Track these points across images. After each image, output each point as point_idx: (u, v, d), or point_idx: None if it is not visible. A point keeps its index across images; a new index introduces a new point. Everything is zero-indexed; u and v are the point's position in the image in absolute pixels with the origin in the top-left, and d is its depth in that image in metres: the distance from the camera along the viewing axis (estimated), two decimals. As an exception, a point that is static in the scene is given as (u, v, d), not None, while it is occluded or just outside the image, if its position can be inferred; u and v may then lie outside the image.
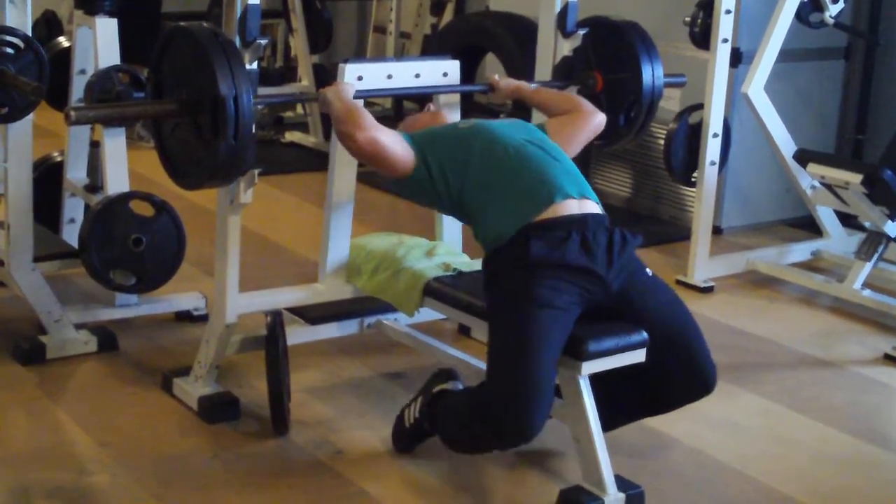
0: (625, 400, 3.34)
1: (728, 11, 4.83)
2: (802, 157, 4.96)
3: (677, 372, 3.24)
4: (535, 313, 3.05)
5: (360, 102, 3.56)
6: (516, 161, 3.31)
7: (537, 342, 3.01)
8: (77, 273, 4.32)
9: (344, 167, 3.67)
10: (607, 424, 3.24)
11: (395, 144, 3.32)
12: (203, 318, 4.30)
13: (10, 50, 3.70)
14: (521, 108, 4.23)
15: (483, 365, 3.53)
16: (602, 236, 3.21)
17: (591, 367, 3.10)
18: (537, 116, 3.99)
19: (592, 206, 3.30)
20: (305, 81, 7.17)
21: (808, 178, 5.10)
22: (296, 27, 7.17)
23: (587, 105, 3.69)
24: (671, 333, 3.22)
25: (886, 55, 6.00)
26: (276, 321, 3.54)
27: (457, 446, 3.26)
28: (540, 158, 3.33)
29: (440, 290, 3.51)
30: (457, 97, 3.89)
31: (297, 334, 3.82)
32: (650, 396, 3.32)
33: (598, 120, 3.67)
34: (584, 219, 3.23)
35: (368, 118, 3.31)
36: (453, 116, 3.86)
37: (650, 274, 3.30)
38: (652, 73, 4.07)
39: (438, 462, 3.37)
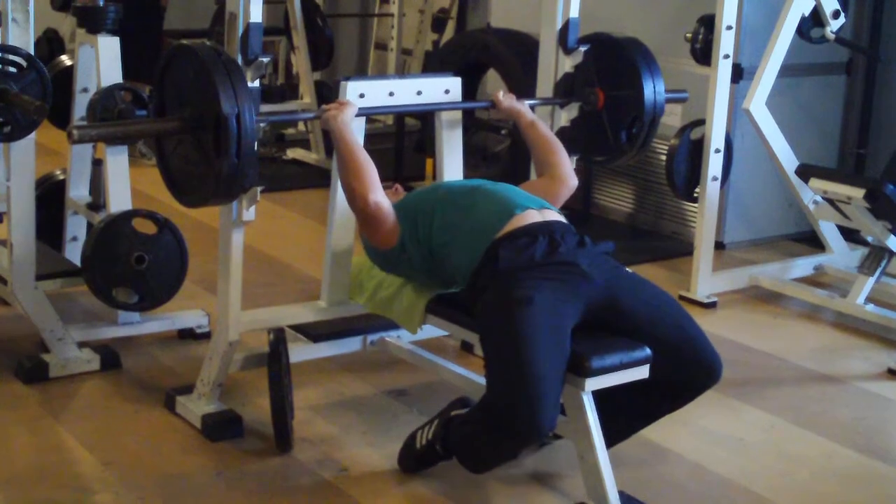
0: (630, 404, 3.33)
1: (729, 27, 4.84)
2: (804, 172, 4.96)
3: (684, 364, 3.23)
4: (519, 311, 3.07)
5: (363, 121, 3.58)
6: (476, 195, 3.42)
7: (528, 336, 3.01)
8: (80, 291, 4.33)
9: (346, 184, 3.67)
10: (614, 436, 3.24)
11: (391, 212, 3.41)
12: (206, 336, 4.30)
13: (12, 69, 3.71)
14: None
15: (485, 382, 3.54)
16: (570, 237, 3.28)
17: (594, 383, 3.10)
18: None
19: (555, 216, 3.38)
20: (307, 98, 7.18)
21: (810, 193, 5.10)
22: (297, 44, 7.18)
23: (562, 170, 3.72)
24: (668, 326, 3.23)
25: (888, 70, 6.01)
26: (278, 339, 3.54)
27: (472, 461, 3.22)
28: (499, 188, 3.46)
29: (443, 307, 3.51)
30: (459, 114, 3.89)
31: (300, 352, 3.82)
32: (662, 396, 3.31)
33: (567, 189, 3.72)
34: (548, 224, 3.31)
35: (377, 178, 3.37)
36: (455, 133, 3.87)
37: (630, 271, 3.35)
38: (654, 89, 4.08)
39: (442, 480, 3.36)
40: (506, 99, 3.87)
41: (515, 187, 3.53)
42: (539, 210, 3.35)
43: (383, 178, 3.45)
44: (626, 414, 3.34)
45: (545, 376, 2.97)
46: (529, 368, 2.96)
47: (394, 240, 3.42)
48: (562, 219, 3.38)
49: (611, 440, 3.35)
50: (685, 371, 3.24)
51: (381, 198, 3.38)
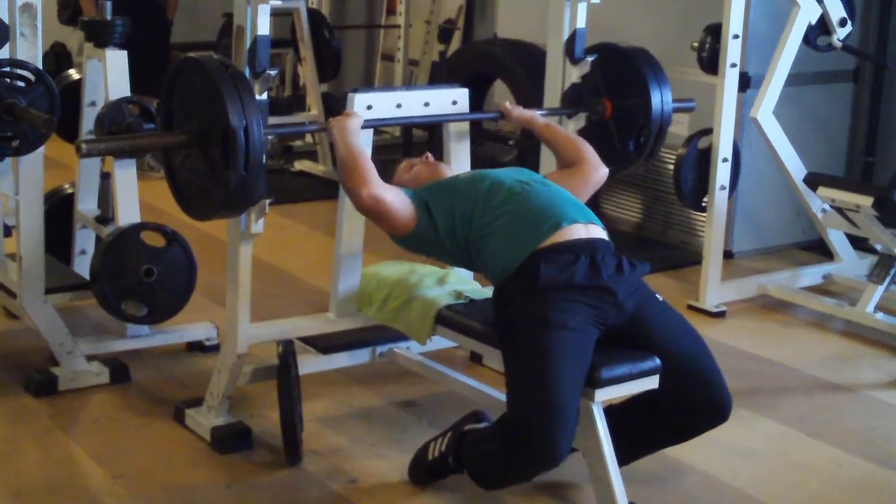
0: (641, 432, 3.32)
1: (736, 36, 4.84)
2: (812, 181, 4.96)
3: (694, 399, 3.23)
4: (550, 335, 3.04)
5: (370, 132, 3.57)
6: (521, 196, 3.32)
7: (555, 363, 2.99)
8: (88, 304, 4.33)
9: (354, 196, 3.67)
10: (624, 458, 3.23)
11: (396, 201, 3.34)
12: (215, 349, 4.30)
13: (21, 83, 3.72)
14: (530, 138, 4.23)
15: (495, 393, 3.54)
16: (610, 259, 3.22)
17: (604, 394, 3.09)
18: (546, 150, 3.99)
19: (599, 232, 3.31)
20: (314, 110, 7.19)
21: (818, 202, 5.09)
22: (304, 56, 7.20)
23: (591, 156, 3.67)
24: (687, 360, 3.21)
25: (895, 77, 6.00)
26: (287, 351, 3.54)
27: (485, 480, 3.20)
28: (544, 192, 3.36)
29: (452, 318, 3.50)
30: (466, 125, 3.89)
31: (309, 364, 3.82)
32: (666, 427, 3.30)
33: (600, 175, 3.66)
34: (591, 242, 3.24)
35: (371, 173, 3.31)
36: (463, 144, 3.87)
37: (661, 299, 3.30)
38: (661, 99, 4.08)
39: (452, 491, 3.36)
40: (514, 109, 3.86)
41: (563, 190, 3.42)
42: (585, 225, 3.27)
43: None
44: (630, 440, 3.31)
45: (566, 402, 2.96)
46: (554, 396, 2.95)
47: (411, 224, 3.35)
48: (604, 235, 3.31)
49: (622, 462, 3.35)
50: (693, 404, 3.23)
51: (376, 189, 3.30)
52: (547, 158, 4.15)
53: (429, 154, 3.72)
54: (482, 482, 3.21)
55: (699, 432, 3.32)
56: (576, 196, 3.46)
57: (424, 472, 3.38)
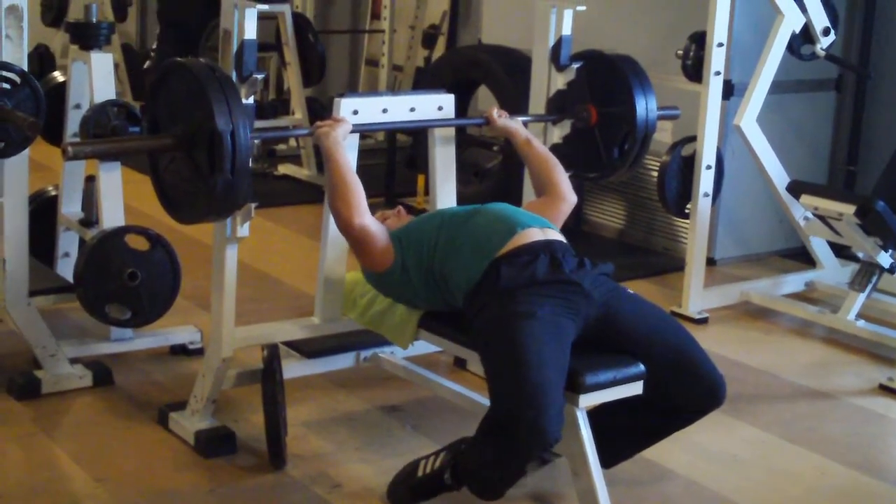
0: (632, 424, 3.33)
1: (720, 44, 4.86)
2: (795, 189, 4.98)
3: (683, 385, 3.23)
4: (520, 325, 3.07)
5: (356, 137, 3.58)
6: (478, 215, 3.42)
7: (529, 347, 3.01)
8: (72, 307, 4.32)
9: (339, 201, 3.67)
10: (616, 455, 3.24)
11: (379, 234, 3.40)
12: (198, 352, 4.29)
13: (6, 85, 3.71)
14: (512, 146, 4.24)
15: (479, 398, 3.55)
16: (571, 258, 3.27)
17: (588, 399, 3.11)
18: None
19: (557, 235, 3.37)
20: (299, 114, 7.18)
21: (801, 210, 5.12)
22: (289, 60, 7.19)
23: (562, 183, 3.71)
24: (670, 347, 3.23)
25: (877, 86, 6.04)
26: (272, 355, 3.54)
27: (482, 484, 3.12)
28: (500, 207, 3.46)
29: (435, 322, 3.51)
30: (452, 131, 3.90)
31: (294, 368, 3.82)
32: (658, 416, 3.30)
33: (568, 205, 3.71)
34: (549, 243, 3.31)
35: (363, 200, 3.36)
36: (448, 150, 3.88)
37: (632, 292, 3.35)
38: (646, 106, 4.09)
39: (434, 499, 3.35)
40: (500, 117, 3.87)
41: (517, 207, 3.54)
42: (541, 229, 3.35)
43: (374, 195, 3.45)
44: (628, 433, 3.34)
45: (547, 384, 2.95)
46: (531, 376, 2.95)
47: (388, 261, 3.41)
48: (563, 239, 3.38)
49: (613, 459, 3.36)
50: (684, 390, 3.24)
51: (367, 221, 3.36)
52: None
53: (401, 208, 3.75)
54: (479, 488, 3.14)
55: (695, 417, 3.31)
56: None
57: (409, 489, 3.27)
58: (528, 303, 3.13)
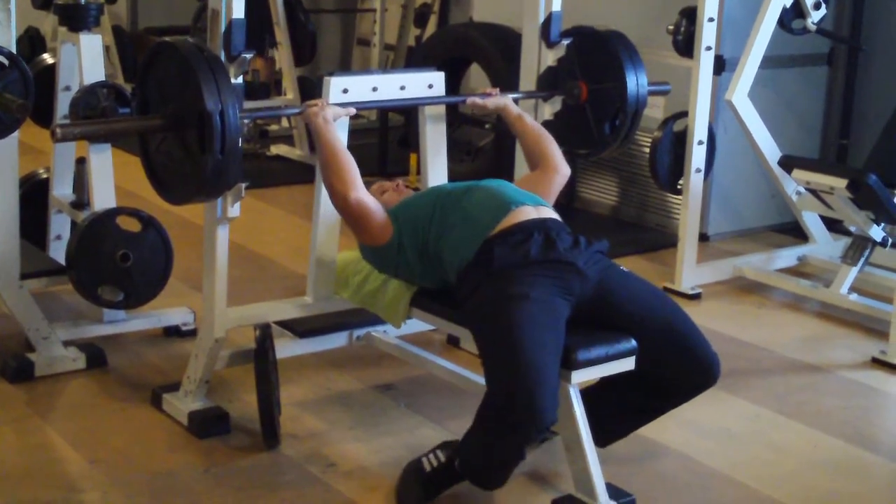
0: (627, 401, 3.33)
1: (711, 19, 4.85)
2: (787, 163, 4.98)
3: (676, 361, 3.23)
4: (514, 306, 3.06)
5: (346, 121, 3.57)
6: (473, 193, 3.41)
7: (524, 329, 3.00)
8: (64, 290, 4.32)
9: (331, 180, 3.67)
10: (612, 433, 3.24)
11: (377, 208, 3.40)
12: (192, 333, 4.29)
13: (-6, 68, 3.70)
14: (504, 123, 4.23)
15: (472, 375, 3.56)
16: (566, 236, 3.26)
17: (580, 375, 3.11)
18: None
19: (551, 213, 3.36)
20: (290, 94, 7.16)
21: (793, 184, 5.12)
22: (280, 40, 7.17)
23: (555, 156, 3.71)
24: (662, 323, 3.23)
25: (869, 60, 6.03)
26: (264, 335, 3.54)
27: (482, 471, 3.12)
28: (493, 185, 3.44)
29: (428, 301, 3.51)
30: (443, 109, 3.90)
31: (287, 348, 3.82)
32: (653, 393, 3.30)
33: (562, 177, 3.70)
34: (543, 221, 3.29)
35: (357, 175, 3.36)
36: (439, 128, 3.87)
37: (626, 269, 3.34)
38: (636, 82, 4.09)
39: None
40: (491, 99, 3.85)
41: (511, 184, 3.53)
42: (535, 207, 3.34)
43: (367, 174, 3.45)
44: (623, 411, 3.34)
45: (542, 364, 2.95)
46: (526, 356, 2.94)
47: (385, 236, 3.40)
48: (557, 216, 3.37)
49: (609, 437, 3.36)
50: (677, 368, 3.24)
51: (362, 195, 3.37)
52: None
53: (400, 181, 3.73)
54: (482, 478, 3.15)
55: (690, 394, 3.31)
56: (544, 199, 3.50)
57: (422, 486, 3.19)
58: (522, 283, 3.12)
